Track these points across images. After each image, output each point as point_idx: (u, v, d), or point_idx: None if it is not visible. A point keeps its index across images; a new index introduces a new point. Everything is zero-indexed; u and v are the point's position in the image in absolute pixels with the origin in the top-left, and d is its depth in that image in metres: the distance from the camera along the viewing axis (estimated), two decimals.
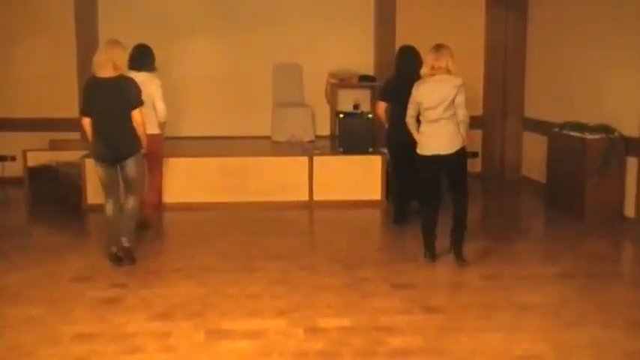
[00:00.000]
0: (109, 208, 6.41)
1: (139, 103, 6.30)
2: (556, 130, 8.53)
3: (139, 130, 6.31)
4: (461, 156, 6.25)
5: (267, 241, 7.30)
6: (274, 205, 8.61)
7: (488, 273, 6.09)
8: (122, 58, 6.27)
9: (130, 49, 6.78)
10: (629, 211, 7.75)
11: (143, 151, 6.43)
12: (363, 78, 10.38)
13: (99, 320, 5.08)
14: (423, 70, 6.31)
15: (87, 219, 8.24)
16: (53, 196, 8.66)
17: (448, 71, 6.15)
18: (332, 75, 10.39)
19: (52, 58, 10.03)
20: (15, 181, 9.49)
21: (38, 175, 8.87)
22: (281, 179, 8.77)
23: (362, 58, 10.51)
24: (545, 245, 7.39)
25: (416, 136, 6.38)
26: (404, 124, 6.52)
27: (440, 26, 9.77)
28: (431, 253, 6.41)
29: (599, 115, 8.07)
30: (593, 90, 8.41)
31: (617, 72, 7.96)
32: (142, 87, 6.52)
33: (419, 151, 6.32)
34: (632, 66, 7.68)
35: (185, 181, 8.66)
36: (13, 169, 9.75)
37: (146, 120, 6.54)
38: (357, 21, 10.55)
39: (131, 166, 6.29)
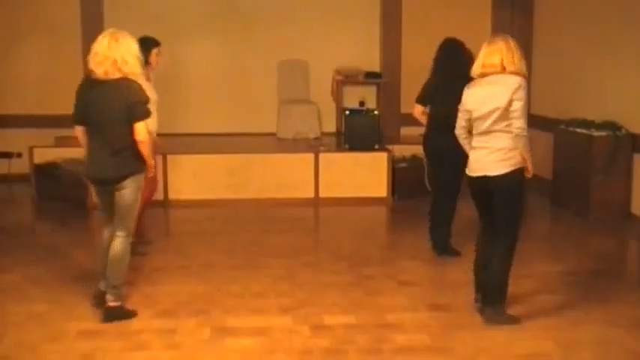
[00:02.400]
0: (104, 237, 5.23)
1: (138, 115, 4.98)
2: (562, 127, 8.51)
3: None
4: (512, 181, 4.97)
5: (272, 238, 7.30)
6: (279, 203, 8.62)
7: None
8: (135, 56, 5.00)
9: None
10: (636, 208, 7.73)
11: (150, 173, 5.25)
12: (369, 75, 10.37)
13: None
14: (473, 70, 5.05)
15: (92, 216, 8.24)
16: (59, 193, 8.68)
17: (503, 69, 4.88)
18: (338, 72, 10.37)
19: (58, 54, 10.06)
20: (21, 178, 9.50)
21: (44, 172, 8.88)
22: (286, 176, 8.77)
23: (368, 55, 10.50)
24: (550, 243, 7.38)
25: (469, 151, 5.16)
26: (437, 132, 5.97)
27: (446, 19, 9.75)
28: (480, 295, 5.21)
29: (605, 111, 8.05)
30: (599, 86, 8.38)
31: (623, 68, 7.93)
32: None
33: (466, 170, 5.17)
34: (638, 62, 7.64)
35: (190, 178, 8.67)
36: (19, 166, 9.74)
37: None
38: (362, 18, 10.53)
39: (127, 192, 5.04)
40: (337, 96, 10.42)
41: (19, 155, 9.84)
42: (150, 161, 5.12)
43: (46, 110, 9.92)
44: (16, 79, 10.10)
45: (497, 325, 4.92)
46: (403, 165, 9.04)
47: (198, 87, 10.41)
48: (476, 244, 5.30)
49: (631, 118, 7.74)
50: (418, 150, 8.87)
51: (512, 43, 4.92)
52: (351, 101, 10.27)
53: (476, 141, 5.04)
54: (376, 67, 10.51)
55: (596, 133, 7.84)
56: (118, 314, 5.03)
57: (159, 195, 8.41)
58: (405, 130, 10.02)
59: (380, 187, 8.83)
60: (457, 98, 5.20)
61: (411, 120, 6.94)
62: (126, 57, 4.92)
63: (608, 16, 8.23)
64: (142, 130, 4.94)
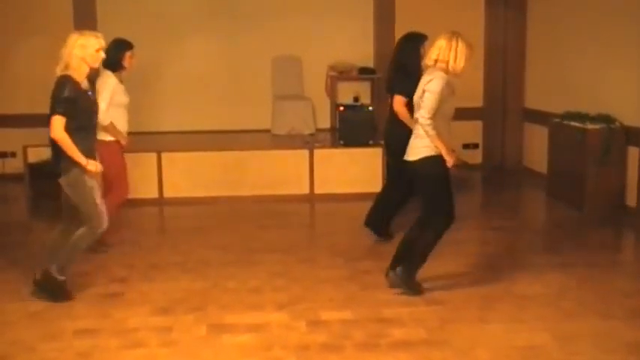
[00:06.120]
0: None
1: (53, 110, 5.23)
2: (556, 120, 8.53)
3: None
4: (425, 167, 5.23)
5: (267, 234, 7.30)
6: (275, 199, 8.61)
7: (489, 264, 6.09)
8: (69, 51, 5.37)
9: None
10: (631, 200, 7.74)
11: (93, 168, 5.23)
12: (363, 70, 10.36)
13: (100, 315, 5.08)
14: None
15: None
16: (53, 192, 8.63)
17: (437, 64, 5.19)
18: (332, 67, 10.37)
19: (51, 53, 9.95)
20: (15, 178, 9.49)
21: (38, 171, 8.85)
22: (281, 172, 8.77)
23: (362, 51, 10.48)
24: (545, 235, 7.39)
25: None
26: (393, 124, 6.39)
27: (439, 15, 9.74)
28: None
29: (599, 104, 8.06)
30: (593, 80, 8.39)
31: (616, 62, 7.94)
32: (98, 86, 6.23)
33: None
34: (631, 56, 7.65)
35: (185, 176, 8.66)
36: (14, 166, 9.74)
37: (115, 123, 6.37)
38: (356, 13, 10.51)
39: (65, 188, 5.39)
40: (331, 92, 10.42)
41: (13, 155, 9.83)
42: (80, 161, 5.20)
43: (40, 109, 9.85)
44: (8, 79, 10.06)
45: (399, 289, 5.40)
46: None
47: (193, 84, 10.38)
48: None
49: (625, 111, 7.75)
50: None
51: (454, 42, 5.16)
52: (345, 97, 10.28)
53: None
54: (370, 63, 10.50)
55: (590, 126, 7.84)
56: (52, 281, 5.32)
57: (153, 193, 8.45)
58: None
59: (375, 183, 8.80)
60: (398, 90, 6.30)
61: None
62: (64, 57, 5.39)
63: (601, 11, 8.23)
64: (53, 127, 5.21)
